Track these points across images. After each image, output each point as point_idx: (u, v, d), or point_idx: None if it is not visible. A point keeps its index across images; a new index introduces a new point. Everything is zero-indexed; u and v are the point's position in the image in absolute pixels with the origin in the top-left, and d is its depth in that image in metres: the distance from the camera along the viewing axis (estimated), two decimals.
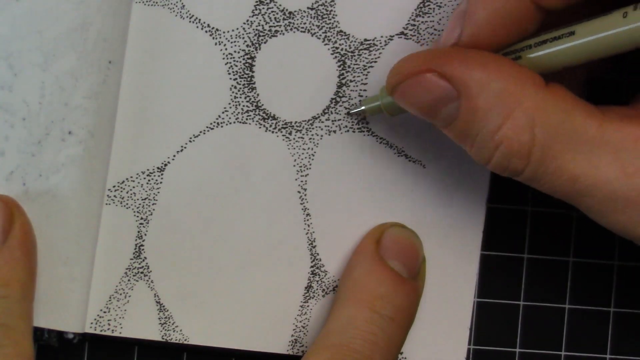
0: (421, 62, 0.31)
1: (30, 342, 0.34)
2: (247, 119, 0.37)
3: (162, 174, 0.37)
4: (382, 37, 0.37)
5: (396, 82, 0.32)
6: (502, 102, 0.30)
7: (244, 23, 0.37)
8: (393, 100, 0.34)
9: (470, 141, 0.31)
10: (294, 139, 0.37)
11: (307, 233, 0.38)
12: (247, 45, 0.37)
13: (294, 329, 0.38)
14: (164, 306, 0.37)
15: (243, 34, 0.37)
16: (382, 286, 0.35)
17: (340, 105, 0.37)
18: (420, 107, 0.32)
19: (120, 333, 0.37)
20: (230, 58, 0.37)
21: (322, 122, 0.37)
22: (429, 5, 0.37)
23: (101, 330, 0.37)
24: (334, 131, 0.38)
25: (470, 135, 0.31)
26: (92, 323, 0.37)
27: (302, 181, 0.38)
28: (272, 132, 0.37)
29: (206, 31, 0.37)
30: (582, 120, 0.30)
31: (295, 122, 0.37)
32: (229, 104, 0.37)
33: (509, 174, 0.31)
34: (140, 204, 0.37)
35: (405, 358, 0.38)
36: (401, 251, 0.36)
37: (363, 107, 0.36)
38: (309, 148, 0.37)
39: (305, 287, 0.38)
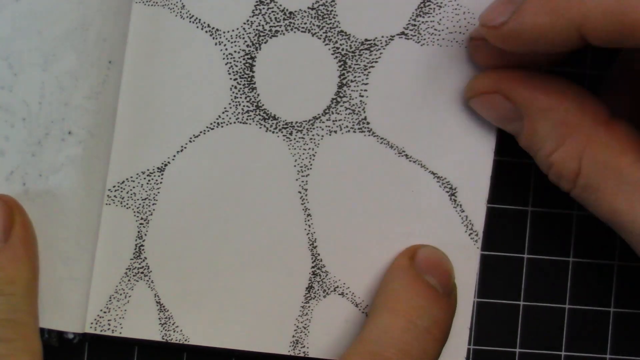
0: (491, 82, 0.35)
1: (38, 338, 0.35)
2: (247, 119, 0.37)
3: (162, 174, 0.37)
4: (382, 37, 0.37)
5: (469, 97, 0.36)
6: (558, 131, 0.33)
7: (244, 23, 0.37)
8: None
9: (533, 155, 0.35)
10: (294, 139, 0.37)
11: (307, 233, 0.38)
12: (248, 45, 0.37)
13: (294, 330, 0.38)
14: (164, 306, 0.37)
15: (243, 34, 0.37)
16: (419, 298, 0.35)
17: (341, 106, 0.37)
18: (491, 120, 0.36)
19: (120, 333, 0.37)
20: (231, 58, 0.37)
21: (323, 122, 0.37)
22: (429, 5, 0.37)
23: (101, 330, 0.37)
24: (335, 131, 0.37)
25: (531, 150, 0.35)
26: (92, 323, 0.37)
27: (302, 181, 0.37)
28: (273, 132, 0.37)
29: (206, 31, 0.37)
30: (630, 163, 0.32)
31: (296, 122, 0.37)
32: (229, 104, 0.37)
33: (562, 189, 0.34)
34: (140, 204, 0.37)
35: None
36: (435, 268, 0.36)
37: None
38: (309, 148, 0.37)
39: (306, 288, 0.38)
